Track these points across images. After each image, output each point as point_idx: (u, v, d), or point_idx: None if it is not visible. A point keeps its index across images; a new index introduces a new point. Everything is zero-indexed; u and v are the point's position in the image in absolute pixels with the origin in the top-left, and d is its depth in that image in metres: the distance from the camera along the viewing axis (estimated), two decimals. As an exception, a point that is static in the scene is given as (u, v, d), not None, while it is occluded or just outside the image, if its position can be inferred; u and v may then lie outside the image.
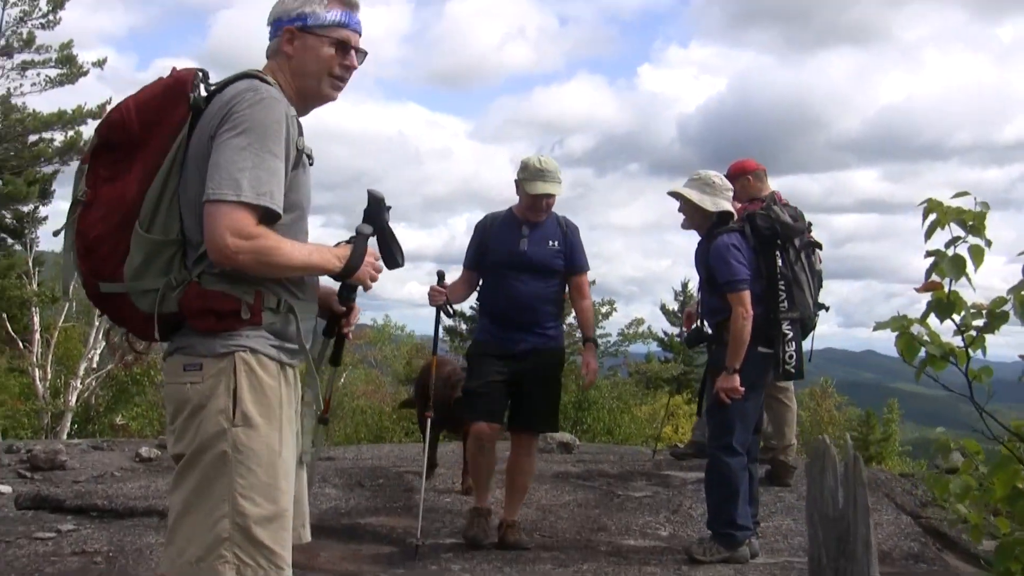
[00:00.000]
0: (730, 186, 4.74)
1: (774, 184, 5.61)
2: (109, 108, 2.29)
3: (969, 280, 2.20)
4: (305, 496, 2.42)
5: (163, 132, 2.15)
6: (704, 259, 4.60)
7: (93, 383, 22.68)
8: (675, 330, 31.61)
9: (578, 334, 4.95)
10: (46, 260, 23.00)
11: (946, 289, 2.25)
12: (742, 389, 4.38)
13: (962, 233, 2.21)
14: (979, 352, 2.34)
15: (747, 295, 4.40)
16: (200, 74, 2.20)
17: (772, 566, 4.50)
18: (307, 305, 2.31)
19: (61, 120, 18.96)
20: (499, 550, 4.61)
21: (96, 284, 2.19)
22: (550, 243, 4.71)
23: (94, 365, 22.49)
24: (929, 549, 4.86)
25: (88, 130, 18.87)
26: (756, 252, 4.54)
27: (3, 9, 18.99)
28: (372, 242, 2.40)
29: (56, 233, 2.25)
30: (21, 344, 22.14)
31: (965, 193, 2.25)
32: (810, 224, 4.94)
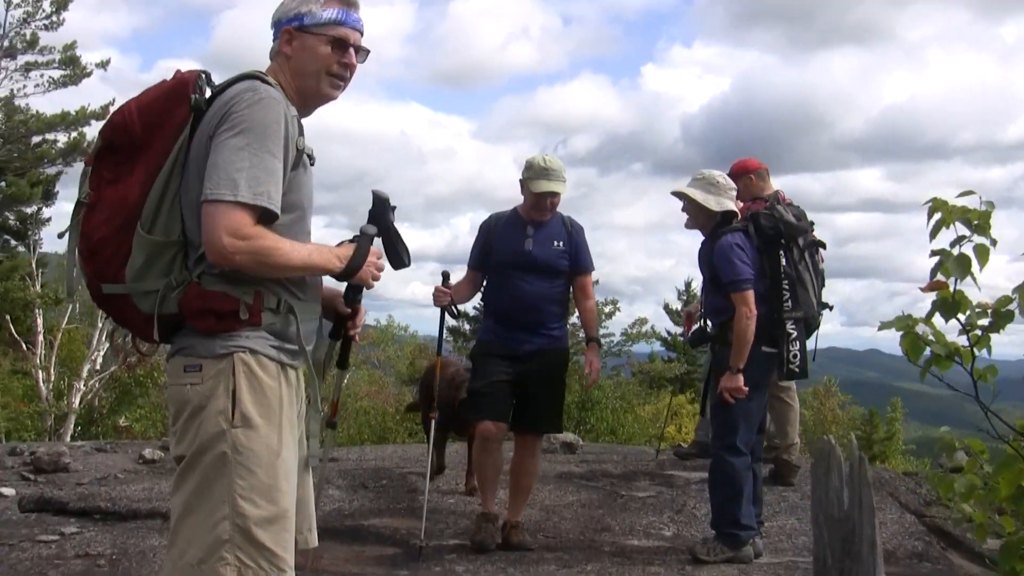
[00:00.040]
0: (734, 185, 4.73)
1: (777, 183, 5.62)
2: (112, 110, 2.29)
3: (974, 279, 2.20)
4: (312, 501, 2.42)
5: (165, 134, 2.16)
6: (708, 259, 4.60)
7: (96, 385, 22.71)
8: (678, 330, 31.57)
9: (581, 334, 4.95)
10: (49, 262, 23.03)
11: (951, 288, 2.24)
12: (746, 389, 4.37)
13: (967, 232, 2.20)
14: (983, 351, 2.33)
15: (751, 295, 4.39)
16: (203, 76, 2.21)
17: (776, 566, 4.49)
18: (308, 306, 2.30)
19: (64, 121, 18.97)
20: (503, 551, 4.60)
21: (99, 286, 2.20)
22: (555, 243, 4.70)
23: (97, 367, 22.50)
24: (933, 548, 4.84)
25: (91, 131, 18.91)
26: (760, 252, 4.53)
27: (6, 10, 19.03)
28: (378, 243, 2.40)
29: (61, 235, 2.25)
30: (24, 346, 22.15)
31: (970, 192, 2.24)
32: (812, 223, 4.93)
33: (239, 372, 2.12)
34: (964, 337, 2.31)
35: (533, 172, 4.63)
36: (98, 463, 6.92)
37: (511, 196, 4.94)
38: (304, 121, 2.35)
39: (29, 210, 21.52)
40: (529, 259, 4.65)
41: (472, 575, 4.28)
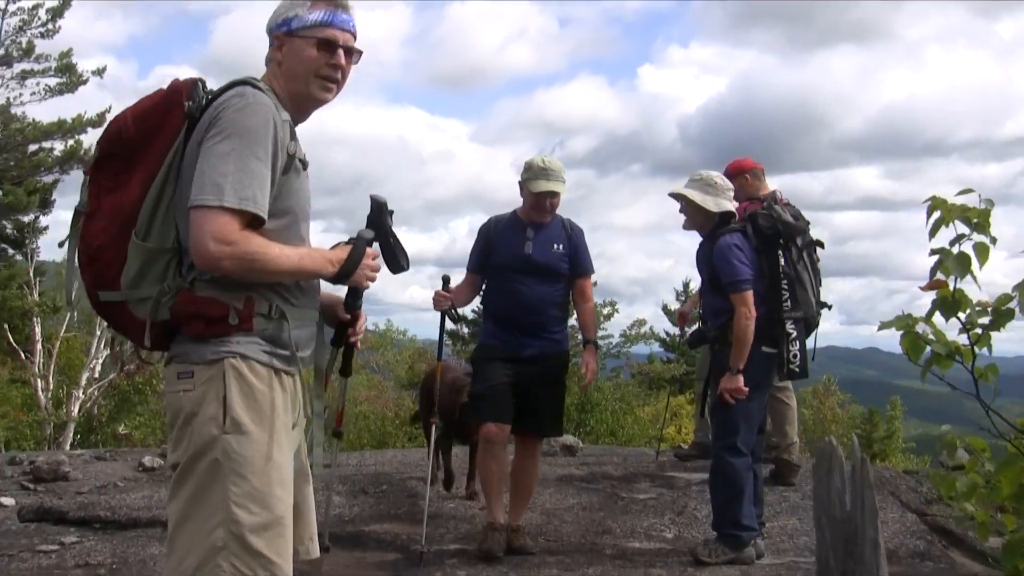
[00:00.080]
0: (731, 186, 4.73)
1: (776, 183, 5.62)
2: (109, 119, 2.29)
3: (974, 278, 2.19)
4: (312, 510, 2.41)
5: (160, 141, 2.16)
6: (707, 260, 4.60)
7: (95, 393, 22.64)
8: (676, 330, 31.50)
9: (579, 336, 4.94)
10: (47, 270, 23.00)
11: (951, 287, 2.24)
12: (746, 389, 4.37)
13: (966, 230, 2.20)
14: (983, 349, 2.33)
15: (750, 295, 4.39)
16: (197, 83, 2.21)
17: (778, 567, 4.49)
18: (302, 311, 2.30)
19: (61, 129, 18.94)
20: (504, 555, 4.58)
21: (98, 293, 2.21)
22: (555, 246, 4.69)
23: (96, 375, 22.46)
24: (935, 547, 4.84)
25: (88, 139, 18.89)
26: (758, 252, 4.53)
27: (2, 18, 18.99)
28: (376, 247, 2.40)
29: (61, 244, 2.27)
30: (23, 355, 22.12)
31: (969, 190, 2.24)
32: (808, 223, 4.94)
33: (230, 378, 2.12)
34: (964, 335, 2.31)
35: (532, 173, 4.63)
36: (98, 471, 6.91)
37: (510, 198, 4.93)
38: (302, 125, 2.36)
39: (26, 219, 21.49)
40: (529, 262, 4.64)
41: (474, 580, 4.27)
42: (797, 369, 4.51)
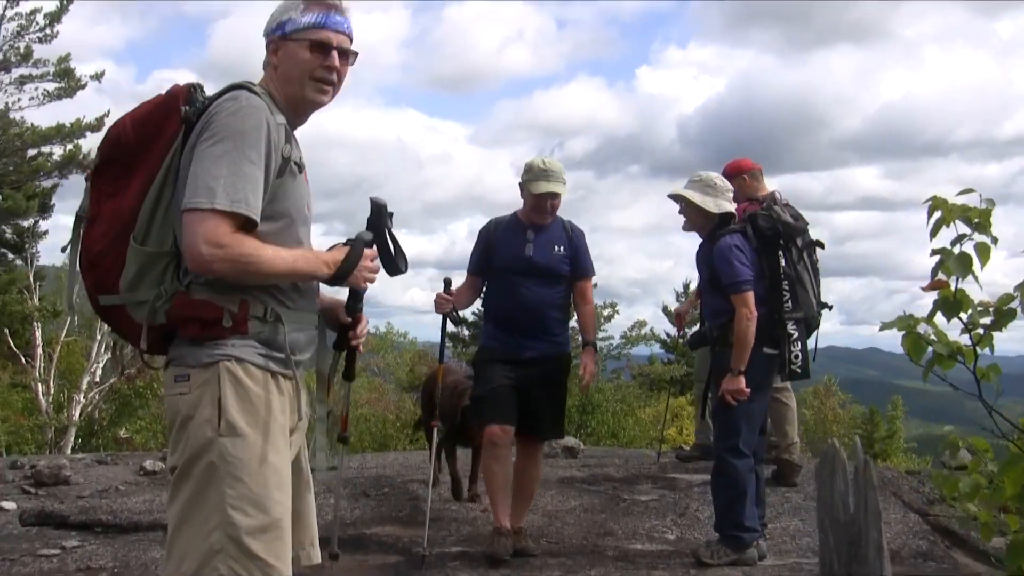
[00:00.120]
0: (731, 187, 4.73)
1: (776, 183, 5.62)
2: (108, 123, 2.30)
3: (976, 278, 2.19)
4: (312, 514, 2.41)
5: (158, 146, 2.17)
6: (707, 260, 4.59)
7: (96, 397, 22.64)
8: (676, 331, 31.44)
9: (579, 338, 4.93)
10: (47, 275, 23.02)
11: (952, 287, 2.23)
12: (747, 391, 4.36)
13: (967, 230, 2.19)
14: (985, 349, 2.32)
15: (751, 296, 4.38)
16: (195, 88, 2.22)
17: (780, 568, 4.48)
18: (299, 314, 2.29)
19: (60, 134, 18.93)
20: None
21: (98, 297, 2.22)
22: (556, 248, 4.69)
23: (97, 379, 22.46)
24: (938, 547, 4.83)
25: (87, 143, 18.87)
26: (759, 253, 4.52)
27: (0, 24, 19.01)
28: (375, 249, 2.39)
29: (63, 249, 2.27)
30: (23, 359, 22.12)
31: (970, 190, 2.24)
32: (807, 223, 4.93)
33: (224, 380, 2.12)
34: (966, 336, 2.30)
35: (532, 174, 4.62)
36: (99, 475, 6.90)
37: (509, 200, 4.92)
38: (301, 129, 2.36)
39: (26, 223, 21.47)
40: (530, 264, 4.64)
41: (476, 582, 4.26)
42: (799, 370, 4.50)
